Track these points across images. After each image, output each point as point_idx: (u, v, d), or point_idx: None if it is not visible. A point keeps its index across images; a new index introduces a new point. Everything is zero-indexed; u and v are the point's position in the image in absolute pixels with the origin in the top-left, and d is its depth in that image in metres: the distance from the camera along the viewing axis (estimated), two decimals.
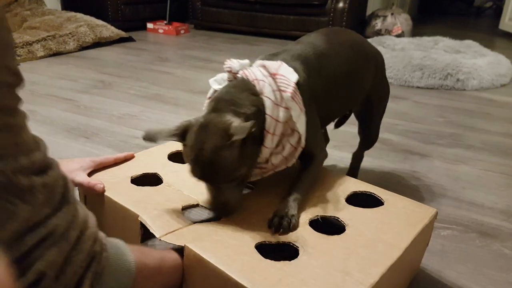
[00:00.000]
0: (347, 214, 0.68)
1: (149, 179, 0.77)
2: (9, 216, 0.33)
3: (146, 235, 0.65)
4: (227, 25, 3.34)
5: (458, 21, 4.85)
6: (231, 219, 0.66)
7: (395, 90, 1.96)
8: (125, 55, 2.52)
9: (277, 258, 0.57)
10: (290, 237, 0.62)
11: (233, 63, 0.73)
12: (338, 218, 0.67)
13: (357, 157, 1.07)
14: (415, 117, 1.63)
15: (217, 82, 0.74)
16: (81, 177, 0.72)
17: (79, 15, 2.83)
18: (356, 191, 0.75)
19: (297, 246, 0.60)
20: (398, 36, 3.04)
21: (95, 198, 0.73)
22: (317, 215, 0.68)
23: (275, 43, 3.02)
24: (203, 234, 0.61)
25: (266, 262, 0.56)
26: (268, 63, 0.72)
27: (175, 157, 0.85)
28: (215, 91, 0.74)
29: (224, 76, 0.74)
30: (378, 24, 3.17)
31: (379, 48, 2.35)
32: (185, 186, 0.74)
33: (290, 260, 0.57)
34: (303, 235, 0.63)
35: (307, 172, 0.75)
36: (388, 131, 1.46)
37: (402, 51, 2.31)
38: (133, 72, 2.12)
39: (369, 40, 2.69)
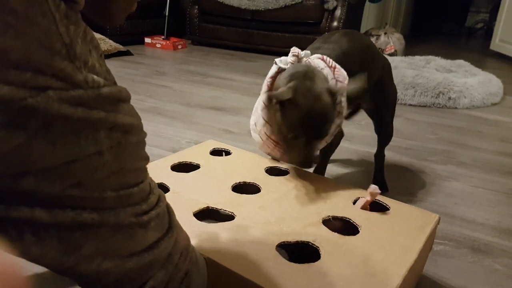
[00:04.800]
0: (358, 217, 0.70)
1: None
2: (131, 238, 0.42)
3: None
4: (223, 41, 3.39)
5: (449, 41, 4.96)
6: (245, 220, 0.66)
7: None
8: (122, 68, 2.54)
9: (293, 257, 0.58)
10: (308, 237, 0.63)
11: (299, 50, 0.84)
12: (350, 219, 0.69)
13: (379, 156, 1.18)
14: (408, 134, 1.66)
15: (282, 63, 0.84)
16: None
17: None
18: (362, 197, 0.77)
19: (316, 246, 0.61)
20: (391, 55, 3.10)
21: None
22: (329, 216, 0.69)
23: (271, 59, 3.05)
24: (221, 240, 0.61)
25: (290, 266, 0.56)
26: (325, 57, 0.85)
27: (178, 168, 0.86)
28: (279, 70, 0.84)
29: (288, 59, 0.84)
30: None
31: None
32: (192, 191, 0.75)
33: (306, 258, 0.58)
34: (320, 234, 0.63)
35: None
36: None
37: (395, 70, 2.35)
38: (131, 85, 2.13)
39: None
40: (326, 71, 0.82)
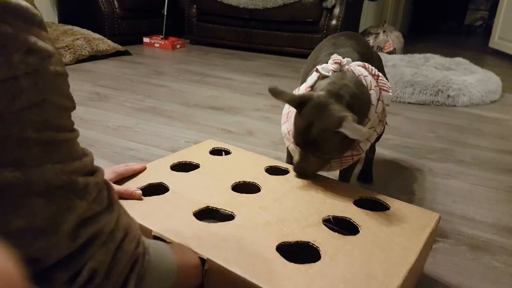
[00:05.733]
0: (358, 216, 0.70)
1: (155, 190, 0.76)
2: (69, 210, 0.37)
3: None
4: (222, 41, 3.39)
5: (448, 39, 4.96)
6: (245, 220, 0.66)
7: None
8: (121, 68, 2.54)
9: (294, 257, 0.58)
10: (308, 237, 0.63)
11: (341, 58, 0.82)
12: (350, 219, 0.69)
13: (370, 148, 1.14)
14: (406, 132, 1.66)
15: (324, 70, 0.82)
16: (115, 186, 0.71)
17: (76, 28, 2.86)
18: (362, 197, 0.77)
19: (316, 246, 0.61)
20: (390, 53, 3.10)
21: None
22: (329, 215, 0.69)
23: (270, 58, 3.06)
24: (221, 240, 0.61)
25: (290, 266, 0.56)
26: (367, 64, 0.84)
27: (178, 168, 0.85)
28: (320, 77, 0.82)
29: (329, 66, 0.82)
30: (370, 41, 3.23)
31: None
32: (192, 191, 0.75)
33: (306, 258, 0.58)
34: (320, 234, 0.64)
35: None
36: (379, 145, 1.47)
37: (394, 68, 2.35)
38: (129, 85, 2.14)
39: None
40: (369, 79, 0.80)
